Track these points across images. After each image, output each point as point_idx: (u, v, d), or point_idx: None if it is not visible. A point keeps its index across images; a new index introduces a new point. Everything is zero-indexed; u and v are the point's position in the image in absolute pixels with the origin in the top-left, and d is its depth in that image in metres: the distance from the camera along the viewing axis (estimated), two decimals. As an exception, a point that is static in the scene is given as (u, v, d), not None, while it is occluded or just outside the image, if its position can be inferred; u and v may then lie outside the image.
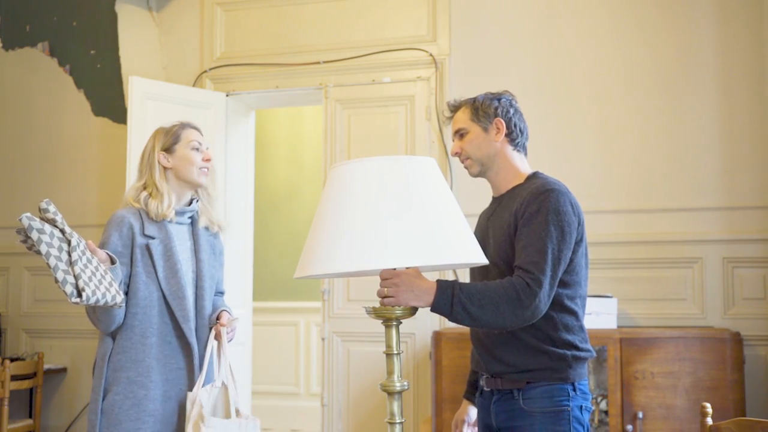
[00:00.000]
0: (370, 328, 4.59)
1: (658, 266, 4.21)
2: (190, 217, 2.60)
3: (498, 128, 2.26)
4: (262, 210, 6.35)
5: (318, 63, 4.88)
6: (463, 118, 2.30)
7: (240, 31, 5.08)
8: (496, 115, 2.26)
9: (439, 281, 1.96)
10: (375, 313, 1.90)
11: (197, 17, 5.15)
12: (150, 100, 4.67)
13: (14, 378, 4.37)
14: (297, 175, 6.67)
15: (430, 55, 4.68)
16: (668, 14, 4.39)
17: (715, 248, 4.20)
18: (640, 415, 3.70)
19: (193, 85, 5.05)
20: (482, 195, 2.71)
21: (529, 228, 2.07)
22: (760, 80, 4.24)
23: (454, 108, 2.34)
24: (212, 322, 2.56)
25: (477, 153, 2.27)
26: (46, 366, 4.85)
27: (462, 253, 1.87)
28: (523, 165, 2.30)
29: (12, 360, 4.62)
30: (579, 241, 2.13)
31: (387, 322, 1.90)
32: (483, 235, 2.29)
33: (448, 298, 1.94)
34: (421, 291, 1.91)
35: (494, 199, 2.35)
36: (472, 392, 2.43)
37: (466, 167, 2.32)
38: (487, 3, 4.66)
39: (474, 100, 2.30)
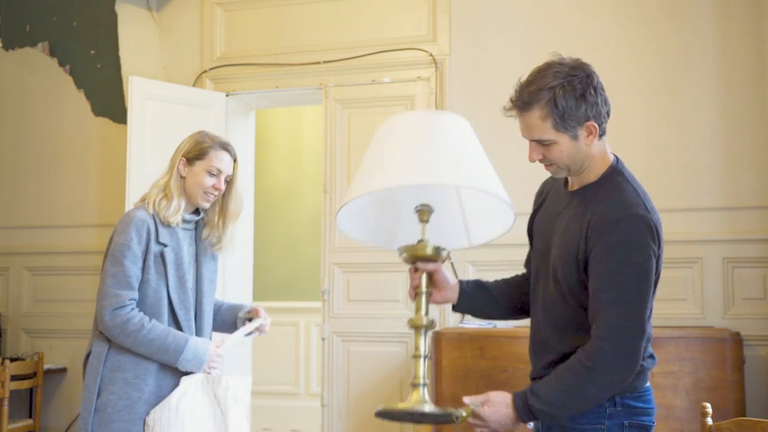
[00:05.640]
0: (370, 328, 4.60)
1: (658, 266, 4.20)
2: (195, 223, 2.59)
3: (590, 132, 1.91)
4: (262, 210, 6.34)
5: (318, 63, 4.88)
6: (542, 127, 1.89)
7: (240, 31, 5.08)
8: (587, 119, 1.89)
9: (513, 398, 1.85)
10: (407, 252, 1.95)
11: (197, 17, 5.14)
12: (150, 100, 4.66)
13: (14, 378, 4.36)
14: (297, 174, 6.67)
15: (430, 55, 4.68)
16: (668, 14, 4.39)
17: (715, 248, 4.20)
18: (640, 415, 3.70)
19: (193, 85, 5.05)
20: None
21: (602, 266, 1.83)
22: (761, 80, 4.24)
23: (524, 106, 1.91)
24: (244, 316, 2.64)
25: (566, 161, 1.93)
26: (46, 366, 4.85)
27: (486, 184, 1.89)
28: (603, 154, 1.97)
29: (12, 360, 4.62)
30: (656, 268, 1.87)
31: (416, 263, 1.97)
32: (545, 232, 2.03)
33: (526, 412, 1.84)
34: (506, 417, 1.85)
35: (567, 192, 2.03)
36: (474, 286, 2.19)
37: (549, 171, 2.00)
38: (487, 3, 4.66)
39: (555, 102, 1.86)
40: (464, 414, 1.82)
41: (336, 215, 2.07)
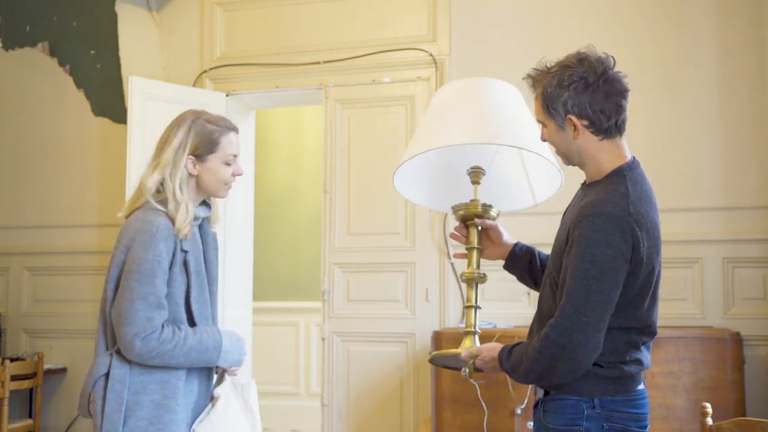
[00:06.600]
0: (370, 328, 4.60)
1: (658, 266, 4.20)
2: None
3: (573, 126, 1.89)
4: (262, 210, 6.34)
5: (318, 63, 4.87)
6: (537, 107, 1.95)
7: (240, 31, 5.08)
8: (567, 112, 1.88)
9: (500, 351, 1.98)
10: (460, 209, 2.20)
11: (197, 17, 5.14)
12: (150, 100, 4.66)
13: (14, 378, 4.37)
14: (297, 175, 6.66)
15: (430, 55, 4.68)
16: (668, 14, 4.39)
17: (715, 248, 4.20)
18: (640, 415, 3.70)
19: (193, 85, 5.05)
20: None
21: (567, 258, 1.85)
22: (761, 80, 4.24)
23: (531, 85, 1.97)
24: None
25: (559, 149, 1.97)
26: (46, 366, 4.85)
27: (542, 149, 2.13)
28: (611, 155, 1.93)
29: (12, 360, 4.62)
30: (634, 273, 1.83)
31: (470, 221, 2.21)
32: (560, 226, 2.04)
33: (502, 364, 1.97)
34: (494, 369, 2.02)
35: (582, 185, 2.04)
36: (526, 250, 2.24)
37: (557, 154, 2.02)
38: (487, 3, 4.66)
39: (546, 86, 1.90)
40: (467, 370, 2.06)
41: (394, 173, 2.27)
